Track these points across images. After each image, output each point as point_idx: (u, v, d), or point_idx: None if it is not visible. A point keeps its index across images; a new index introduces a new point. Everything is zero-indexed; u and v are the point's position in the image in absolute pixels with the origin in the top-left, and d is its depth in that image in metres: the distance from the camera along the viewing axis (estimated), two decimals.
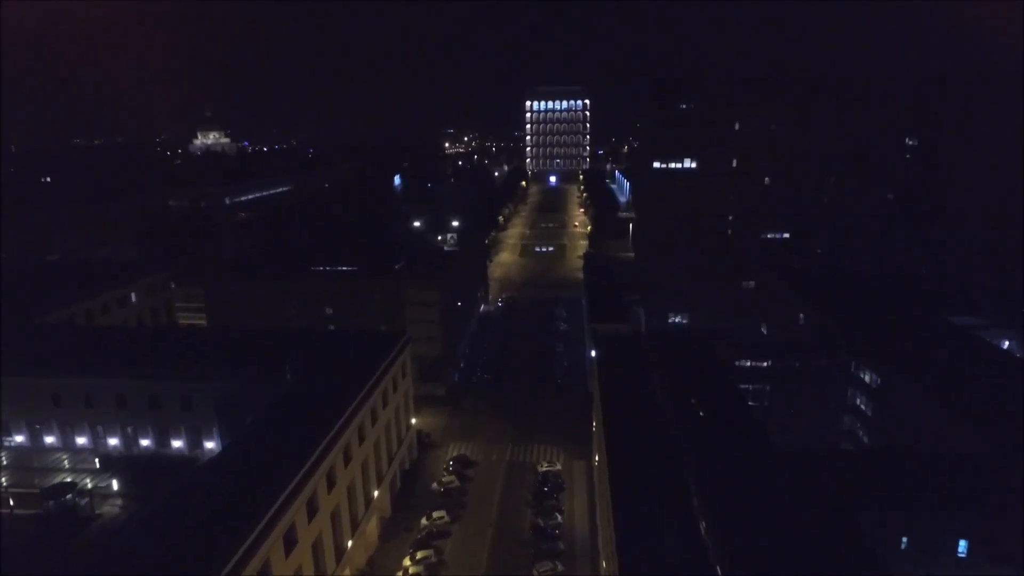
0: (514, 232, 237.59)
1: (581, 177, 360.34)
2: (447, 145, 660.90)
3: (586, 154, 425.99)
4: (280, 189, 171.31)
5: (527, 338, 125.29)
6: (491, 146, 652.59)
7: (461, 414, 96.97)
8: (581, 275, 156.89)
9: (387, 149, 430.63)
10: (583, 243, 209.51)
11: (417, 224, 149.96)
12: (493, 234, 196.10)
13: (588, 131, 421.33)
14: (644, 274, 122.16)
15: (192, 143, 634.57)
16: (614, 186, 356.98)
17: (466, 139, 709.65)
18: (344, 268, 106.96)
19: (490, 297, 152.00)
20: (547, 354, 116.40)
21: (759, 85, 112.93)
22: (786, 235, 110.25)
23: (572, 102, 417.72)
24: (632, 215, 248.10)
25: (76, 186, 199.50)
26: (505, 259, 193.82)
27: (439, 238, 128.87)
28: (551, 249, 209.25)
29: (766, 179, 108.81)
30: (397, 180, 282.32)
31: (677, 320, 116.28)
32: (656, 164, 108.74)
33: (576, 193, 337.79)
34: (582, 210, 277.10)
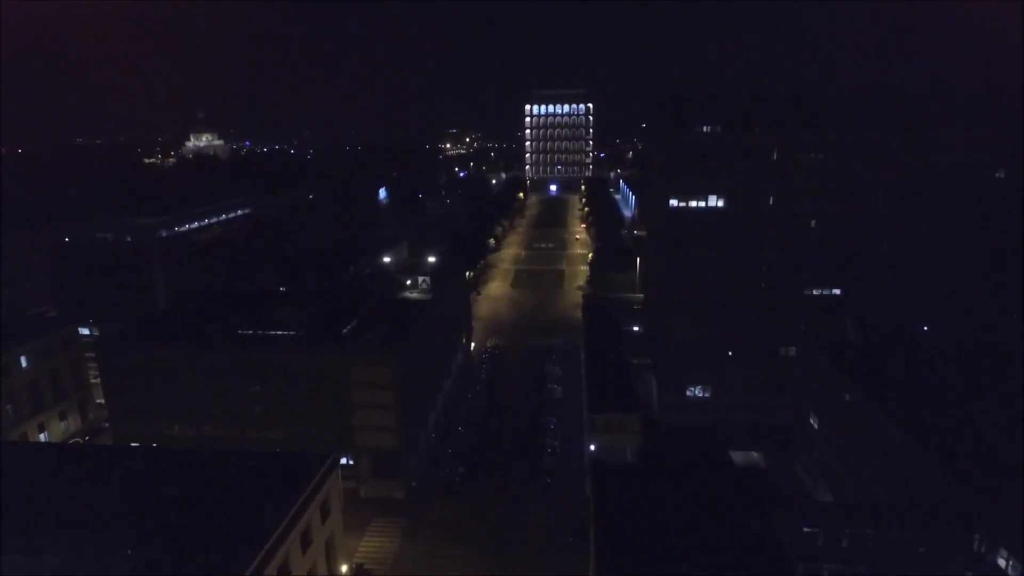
0: (508, 254, 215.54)
1: (583, 187, 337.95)
2: (448, 146, 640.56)
3: (588, 161, 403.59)
4: (236, 214, 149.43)
5: (513, 409, 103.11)
6: (492, 146, 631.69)
7: (421, 531, 74.85)
8: (579, 313, 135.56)
9: (379, 155, 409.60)
10: (583, 268, 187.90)
11: (389, 260, 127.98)
12: (482, 262, 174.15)
13: (591, 136, 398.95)
14: (656, 330, 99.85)
15: (184, 146, 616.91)
16: (618, 196, 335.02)
17: (468, 140, 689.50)
18: (280, 332, 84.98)
19: (473, 345, 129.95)
20: (537, 434, 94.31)
21: (803, 103, 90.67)
22: (836, 291, 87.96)
23: (574, 106, 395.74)
24: (639, 233, 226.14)
25: (11, 206, 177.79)
26: (495, 290, 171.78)
27: (408, 282, 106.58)
28: (549, 275, 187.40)
29: (812, 222, 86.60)
30: (382, 194, 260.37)
31: (697, 394, 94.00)
32: (673, 202, 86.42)
33: (578, 204, 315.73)
34: (583, 225, 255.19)
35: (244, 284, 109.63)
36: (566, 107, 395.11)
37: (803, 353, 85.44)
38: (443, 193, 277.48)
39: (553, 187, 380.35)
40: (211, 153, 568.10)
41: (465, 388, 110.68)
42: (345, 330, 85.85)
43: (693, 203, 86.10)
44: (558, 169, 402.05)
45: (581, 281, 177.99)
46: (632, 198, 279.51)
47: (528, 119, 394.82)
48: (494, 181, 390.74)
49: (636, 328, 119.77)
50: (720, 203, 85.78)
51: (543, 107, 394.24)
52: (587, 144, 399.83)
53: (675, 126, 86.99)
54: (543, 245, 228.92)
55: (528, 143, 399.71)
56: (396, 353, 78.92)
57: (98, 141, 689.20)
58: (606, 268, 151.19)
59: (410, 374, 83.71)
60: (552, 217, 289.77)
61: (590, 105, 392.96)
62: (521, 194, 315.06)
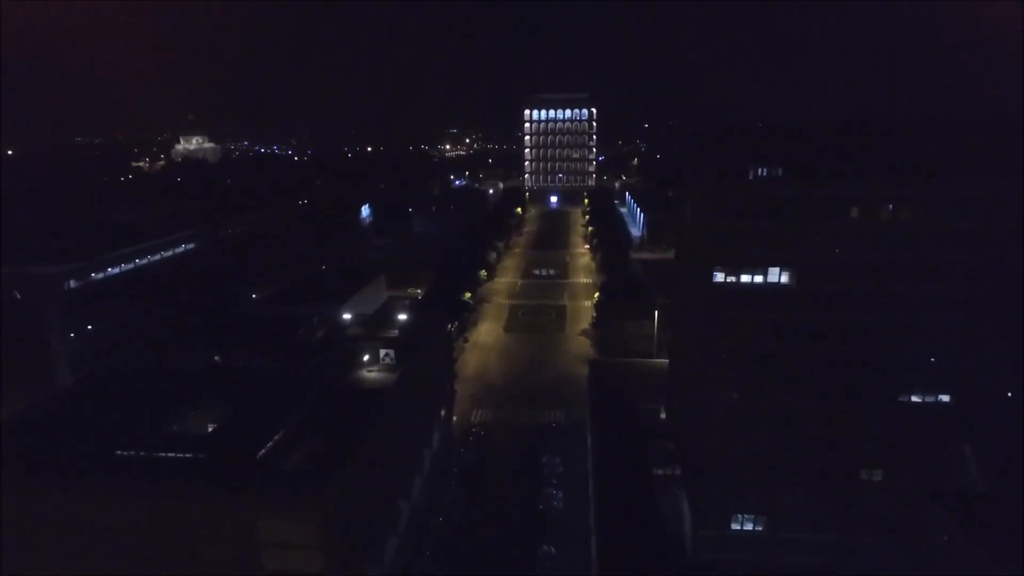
0: (503, 284, 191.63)
1: (586, 200, 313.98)
2: (447, 147, 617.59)
3: (592, 169, 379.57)
4: (177, 250, 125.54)
5: (499, 526, 79.13)
6: (492, 148, 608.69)
7: None
8: (583, 370, 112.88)
9: (374, 160, 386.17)
10: (587, 304, 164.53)
11: (349, 316, 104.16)
12: (471, 303, 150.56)
13: (594, 144, 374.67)
14: (688, 434, 76.02)
15: (174, 148, 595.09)
16: (623, 209, 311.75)
17: (468, 140, 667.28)
18: (173, 455, 61.42)
19: (456, 417, 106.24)
20: (528, 570, 70.57)
21: (895, 130, 66.90)
22: (944, 398, 64.39)
23: (576, 111, 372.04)
24: (650, 256, 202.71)
25: None
26: (486, 335, 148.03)
27: (366, 358, 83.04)
28: (548, 313, 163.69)
29: (911, 302, 62.85)
30: (366, 211, 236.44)
31: (746, 526, 70.28)
32: (719, 276, 62.90)
33: (580, 220, 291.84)
34: (587, 247, 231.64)
35: (158, 359, 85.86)
36: (568, 112, 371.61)
37: (894, 482, 61.81)
38: (435, 209, 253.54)
39: (554, 198, 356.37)
40: (200, 156, 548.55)
41: (441, 488, 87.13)
42: (263, 450, 62.12)
43: (746, 277, 62.55)
44: (559, 178, 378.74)
45: (585, 321, 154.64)
46: (640, 215, 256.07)
47: (528, 124, 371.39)
48: (491, 191, 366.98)
49: (654, 406, 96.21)
50: (784, 278, 62.24)
51: (544, 112, 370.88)
52: (590, 152, 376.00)
53: (721, 170, 63.35)
54: (542, 272, 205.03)
55: (527, 150, 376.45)
56: (327, 497, 55.15)
57: (97, 141, 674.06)
58: (615, 315, 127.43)
59: (353, 513, 60.24)
60: (553, 236, 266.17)
61: (594, 110, 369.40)
62: (519, 208, 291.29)
